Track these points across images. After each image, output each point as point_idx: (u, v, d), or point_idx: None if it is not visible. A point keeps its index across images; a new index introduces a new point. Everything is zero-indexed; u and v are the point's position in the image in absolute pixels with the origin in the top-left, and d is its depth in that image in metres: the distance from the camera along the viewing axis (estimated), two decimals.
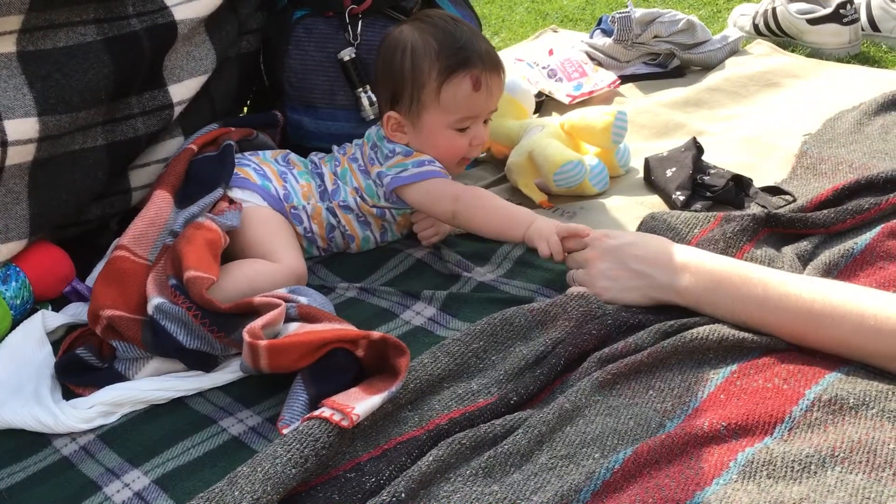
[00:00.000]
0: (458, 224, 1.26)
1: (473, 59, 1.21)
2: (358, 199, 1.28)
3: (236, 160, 1.29)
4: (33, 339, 1.10)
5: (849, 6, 1.87)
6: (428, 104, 1.23)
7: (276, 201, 1.26)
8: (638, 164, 1.49)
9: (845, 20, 1.87)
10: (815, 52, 1.91)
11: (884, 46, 1.92)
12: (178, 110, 1.28)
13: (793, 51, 1.93)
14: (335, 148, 1.36)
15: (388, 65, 1.25)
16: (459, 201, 1.22)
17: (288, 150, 1.37)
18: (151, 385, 1.02)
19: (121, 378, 1.03)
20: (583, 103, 1.75)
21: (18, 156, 1.10)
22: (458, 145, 1.26)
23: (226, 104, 1.42)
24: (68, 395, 1.04)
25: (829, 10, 1.89)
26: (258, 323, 0.95)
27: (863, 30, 1.93)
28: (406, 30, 1.25)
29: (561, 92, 1.78)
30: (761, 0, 2.06)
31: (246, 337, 0.94)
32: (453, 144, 1.25)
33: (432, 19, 1.26)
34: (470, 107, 1.23)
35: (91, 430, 0.99)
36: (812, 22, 1.91)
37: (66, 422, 0.98)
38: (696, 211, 1.27)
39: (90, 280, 1.21)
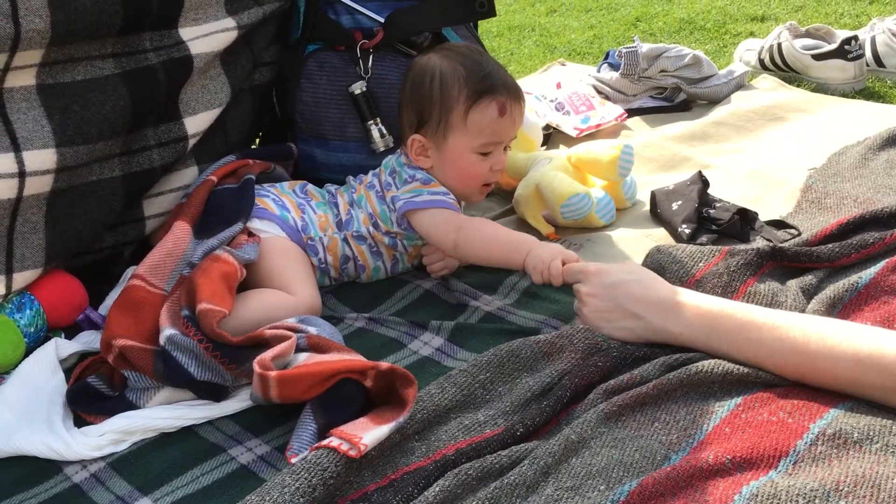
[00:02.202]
0: (459, 254, 1.28)
1: (499, 87, 1.26)
2: (370, 227, 1.30)
3: (255, 191, 1.31)
4: (46, 367, 1.11)
5: (854, 42, 1.89)
6: (455, 127, 1.26)
7: (293, 232, 1.28)
8: (644, 197, 1.50)
9: (850, 56, 1.89)
10: (821, 87, 1.93)
11: (888, 82, 1.93)
12: (192, 142, 1.31)
13: (798, 85, 1.95)
14: (350, 178, 1.38)
15: (416, 89, 1.28)
16: (461, 231, 1.24)
17: (305, 182, 1.39)
18: (162, 413, 1.04)
19: (131, 407, 1.05)
20: (590, 136, 1.77)
21: (36, 186, 1.13)
22: (480, 169, 1.28)
23: (239, 135, 1.45)
24: (80, 422, 1.05)
25: (834, 46, 1.91)
26: (268, 354, 0.96)
27: (867, 65, 1.95)
28: (434, 57, 1.29)
29: (568, 125, 1.81)
30: (767, 35, 2.09)
31: (256, 368, 0.95)
32: (475, 169, 1.28)
33: (458, 49, 1.32)
34: (495, 131, 1.27)
35: (102, 458, 1.00)
36: (817, 57, 1.93)
37: (78, 449, 0.99)
38: (701, 244, 1.29)
39: (103, 308, 1.23)
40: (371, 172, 1.35)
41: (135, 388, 1.06)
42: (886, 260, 1.12)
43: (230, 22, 1.34)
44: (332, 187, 1.37)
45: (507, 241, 1.22)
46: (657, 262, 1.17)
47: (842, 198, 1.40)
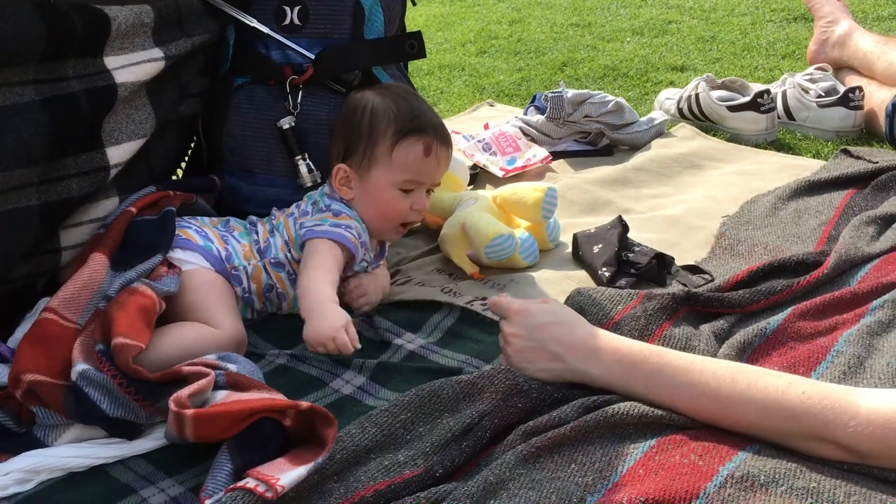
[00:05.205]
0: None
1: (427, 128, 1.30)
2: (287, 253, 1.30)
3: (177, 223, 1.29)
4: None
5: (766, 96, 1.99)
6: (379, 160, 1.28)
7: (217, 262, 1.27)
8: (567, 239, 1.54)
9: (763, 108, 1.99)
10: (735, 137, 2.02)
11: (798, 134, 2.03)
12: (114, 172, 1.28)
13: (714, 135, 2.04)
14: (274, 209, 1.38)
15: (347, 120, 1.32)
16: (302, 266, 1.23)
17: (229, 217, 1.38)
18: (70, 452, 1.00)
19: (39, 444, 1.01)
20: (516, 177, 1.80)
21: None
22: (400, 207, 1.31)
23: (163, 166, 1.43)
24: None
25: (747, 99, 2.01)
26: (185, 392, 0.94)
27: (779, 118, 2.05)
28: (368, 94, 1.33)
29: (495, 165, 1.84)
30: (686, 85, 2.18)
31: (172, 406, 0.93)
32: (396, 205, 1.30)
33: (394, 89, 1.36)
34: (418, 170, 1.29)
35: (6, 498, 0.96)
36: (732, 109, 2.02)
37: None
38: (620, 287, 1.32)
39: (12, 341, 1.18)
40: (294, 204, 1.36)
41: (43, 425, 1.02)
42: (793, 307, 1.17)
43: (157, 52, 1.32)
44: (254, 218, 1.37)
45: (305, 291, 1.18)
46: (577, 305, 1.19)
47: (753, 245, 1.46)
